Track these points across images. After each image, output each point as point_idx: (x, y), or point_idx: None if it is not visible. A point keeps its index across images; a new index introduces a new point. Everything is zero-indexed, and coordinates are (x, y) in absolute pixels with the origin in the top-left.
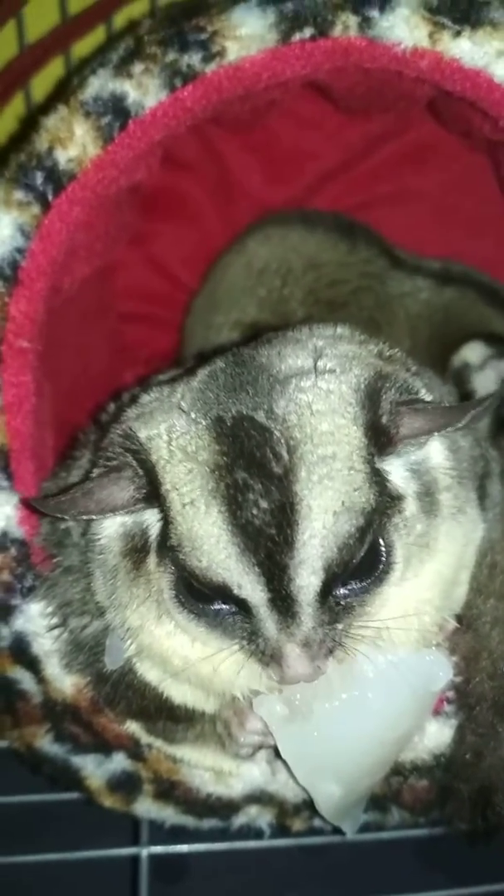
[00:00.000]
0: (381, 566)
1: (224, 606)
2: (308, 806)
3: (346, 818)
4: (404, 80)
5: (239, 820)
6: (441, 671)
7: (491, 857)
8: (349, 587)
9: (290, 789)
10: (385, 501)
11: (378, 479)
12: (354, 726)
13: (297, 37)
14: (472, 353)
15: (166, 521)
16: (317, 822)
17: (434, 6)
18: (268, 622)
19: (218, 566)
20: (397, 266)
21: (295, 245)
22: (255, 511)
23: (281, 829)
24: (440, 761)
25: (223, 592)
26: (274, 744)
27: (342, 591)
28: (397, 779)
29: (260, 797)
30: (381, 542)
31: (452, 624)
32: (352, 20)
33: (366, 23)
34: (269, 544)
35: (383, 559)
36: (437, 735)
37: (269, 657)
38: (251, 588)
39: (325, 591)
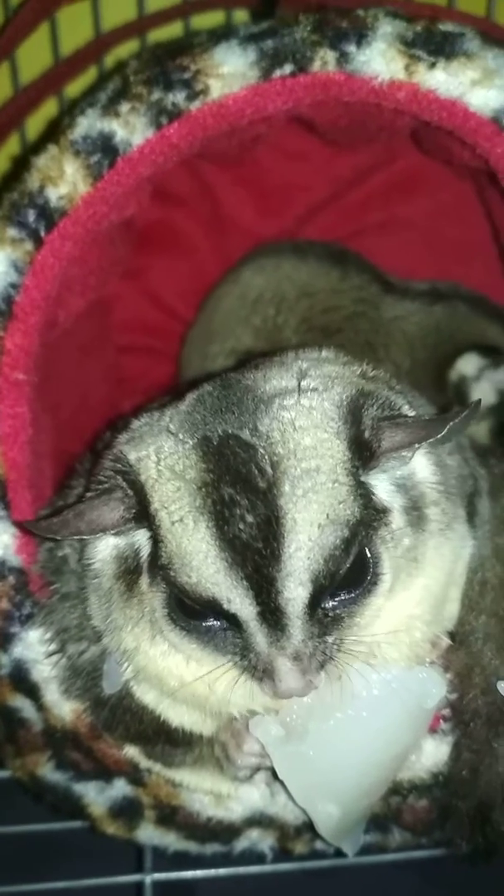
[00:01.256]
0: (369, 577)
1: (215, 623)
2: (309, 828)
3: (346, 839)
4: (384, 111)
5: (241, 844)
6: (434, 688)
7: (495, 876)
8: (338, 599)
9: (291, 812)
10: (371, 514)
11: (363, 491)
12: (350, 746)
13: (277, 73)
14: (467, 365)
15: (156, 540)
16: (319, 845)
17: (409, 39)
18: (258, 636)
19: (207, 581)
20: (389, 291)
21: (288, 274)
22: (241, 526)
23: (283, 853)
24: (438, 780)
25: (213, 608)
26: (272, 765)
27: (331, 603)
28: (396, 798)
29: (260, 820)
30: (368, 553)
31: (445, 641)
32: (330, 55)
33: (343, 58)
34: (256, 558)
35: (371, 570)
36: (435, 753)
37: (262, 672)
38: (240, 602)
39: (314, 603)
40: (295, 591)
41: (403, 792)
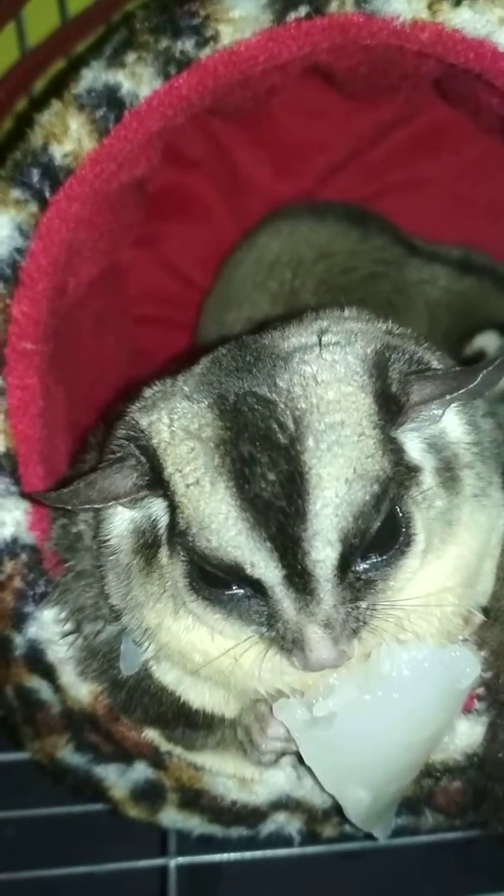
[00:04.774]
0: (401, 537)
1: (240, 591)
2: (338, 811)
3: (377, 823)
4: (406, 55)
5: (267, 828)
6: (468, 667)
7: None
8: (369, 561)
9: (318, 795)
10: (401, 472)
11: (392, 447)
12: (379, 729)
13: (292, 16)
14: (487, 342)
15: (173, 507)
16: (348, 828)
17: None
18: (285, 602)
19: (228, 544)
20: (414, 253)
21: (305, 236)
22: (263, 484)
23: (311, 836)
24: (473, 761)
25: (237, 574)
26: (297, 749)
27: (362, 566)
28: (429, 781)
29: (287, 803)
30: (399, 513)
31: (479, 617)
32: None
33: None
34: (280, 517)
35: (403, 531)
36: (469, 734)
37: (291, 643)
38: (265, 565)
39: (344, 565)
40: (323, 552)
41: (436, 774)
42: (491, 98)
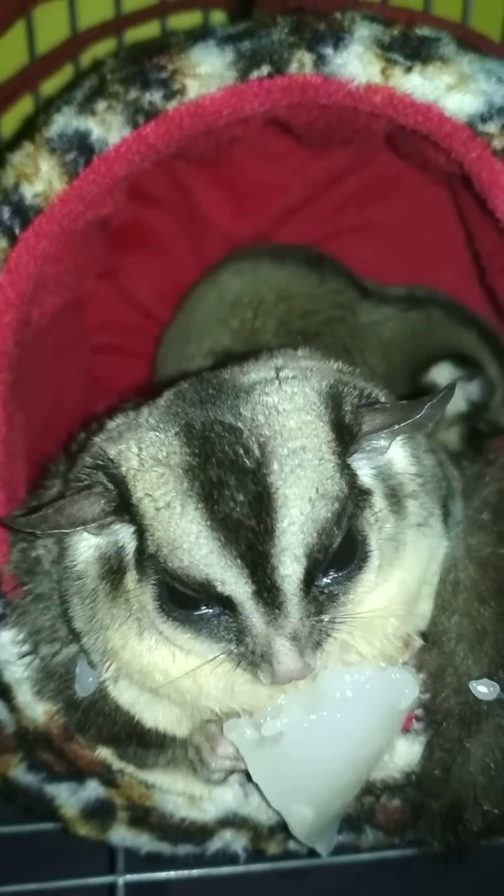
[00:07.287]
0: (358, 553)
1: (209, 610)
2: (282, 829)
3: (320, 839)
4: (360, 115)
5: (214, 845)
6: (407, 689)
7: (469, 874)
8: (331, 576)
9: (264, 812)
10: (355, 494)
11: (348, 472)
12: (324, 747)
13: (254, 74)
14: (441, 374)
15: (141, 532)
16: (292, 845)
17: (386, 43)
18: (254, 616)
19: (200, 562)
20: (365, 296)
21: (266, 278)
22: (232, 504)
23: (256, 853)
24: (411, 779)
25: (207, 591)
26: (245, 768)
27: (325, 580)
28: (369, 798)
29: (233, 821)
30: (356, 530)
31: (418, 641)
32: (307, 58)
33: (321, 60)
34: (250, 535)
35: (360, 546)
36: (407, 753)
37: (260, 657)
38: (235, 582)
39: (309, 580)
40: (290, 567)
41: (377, 792)
42: (437, 156)
